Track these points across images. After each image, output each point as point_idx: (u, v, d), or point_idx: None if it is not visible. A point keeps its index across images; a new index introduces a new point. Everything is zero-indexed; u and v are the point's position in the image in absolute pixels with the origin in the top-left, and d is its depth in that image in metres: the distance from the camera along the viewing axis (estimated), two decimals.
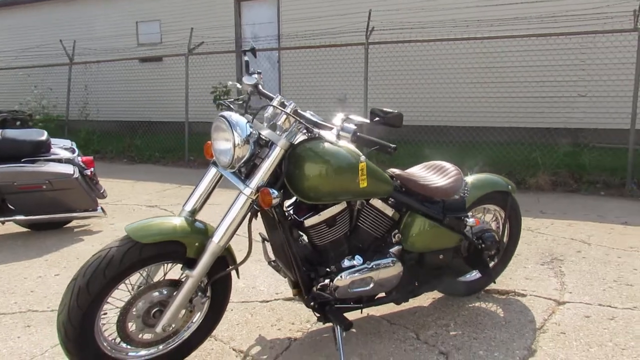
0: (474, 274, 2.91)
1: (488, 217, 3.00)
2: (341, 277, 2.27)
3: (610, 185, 5.82)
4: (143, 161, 8.93)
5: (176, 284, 2.10)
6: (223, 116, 2.01)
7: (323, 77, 8.86)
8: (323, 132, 1.99)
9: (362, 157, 1.90)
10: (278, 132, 2.07)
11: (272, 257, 2.49)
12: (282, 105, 2.13)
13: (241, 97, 2.44)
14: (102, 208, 4.51)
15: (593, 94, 6.71)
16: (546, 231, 4.26)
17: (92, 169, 4.49)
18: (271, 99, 2.29)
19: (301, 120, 2.03)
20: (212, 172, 2.21)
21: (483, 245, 2.67)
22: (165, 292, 2.07)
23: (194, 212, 2.19)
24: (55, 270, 3.50)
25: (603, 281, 3.17)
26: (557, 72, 6.83)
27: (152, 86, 10.90)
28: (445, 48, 7.53)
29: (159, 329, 2.03)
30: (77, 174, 4.24)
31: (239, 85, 2.44)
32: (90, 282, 1.87)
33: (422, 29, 7.28)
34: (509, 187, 2.90)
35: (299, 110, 2.09)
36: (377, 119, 1.82)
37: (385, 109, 1.83)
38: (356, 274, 2.30)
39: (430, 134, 7.28)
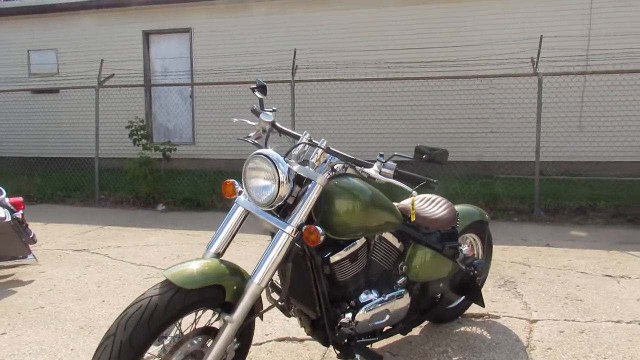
0: (459, 300, 3.09)
1: (465, 245, 3.22)
2: (363, 311, 2.29)
3: (521, 211, 6.46)
4: (44, 201, 8.13)
5: (208, 332, 1.98)
6: (264, 154, 1.98)
7: (242, 113, 8.86)
8: (367, 169, 2.04)
9: (414, 192, 1.98)
10: (311, 169, 2.08)
11: (276, 297, 2.44)
12: (311, 142, 2.15)
13: (251, 134, 2.41)
14: (34, 255, 4.06)
15: (503, 130, 7.51)
16: (520, 258, 4.61)
17: (21, 211, 4.04)
18: (292, 135, 2.30)
19: (345, 158, 2.07)
20: (239, 211, 2.14)
21: (475, 272, 2.86)
22: (198, 342, 1.94)
23: (219, 254, 2.10)
24: None
25: (557, 298, 3.51)
26: (471, 110, 7.54)
27: (49, 119, 10.06)
28: (370, 86, 7.96)
29: None
30: (8, 217, 3.80)
31: (251, 122, 2.41)
32: (133, 336, 1.70)
33: (347, 68, 7.66)
34: (486, 216, 3.15)
35: (331, 148, 2.12)
36: (424, 156, 1.92)
37: (430, 147, 1.93)
38: (375, 308, 2.34)
39: None
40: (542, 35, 6.39)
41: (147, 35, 10.32)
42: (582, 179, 7.12)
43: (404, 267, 2.55)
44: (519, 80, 6.81)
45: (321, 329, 2.31)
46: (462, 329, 3.05)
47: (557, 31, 7.38)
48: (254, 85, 2.44)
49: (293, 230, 1.98)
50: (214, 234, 2.13)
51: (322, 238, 1.94)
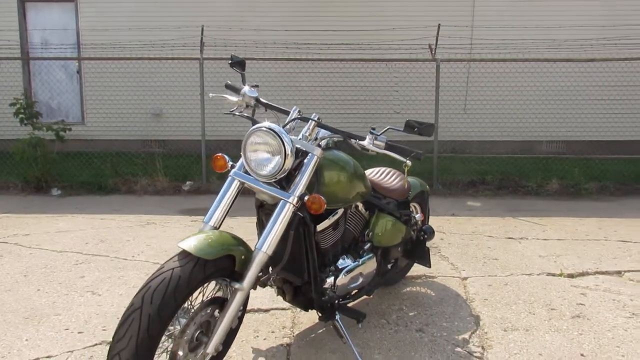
0: (405, 264, 3.40)
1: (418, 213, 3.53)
2: (343, 275, 2.47)
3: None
4: None
5: (215, 302, 2.02)
6: (268, 127, 2.04)
7: (135, 91, 8.47)
8: (362, 142, 2.19)
9: (408, 161, 2.16)
10: (310, 142, 2.18)
11: None
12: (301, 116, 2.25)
13: (233, 109, 2.44)
14: None
15: (405, 112, 8.06)
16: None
17: None
18: (279, 110, 2.38)
19: (338, 132, 2.20)
20: (235, 184, 2.18)
21: (425, 237, 3.18)
22: (207, 312, 1.98)
23: (216, 228, 2.13)
24: None
25: (477, 259, 4.00)
26: (377, 92, 7.97)
27: None
28: (279, 67, 8.01)
29: (210, 349, 1.93)
30: None
31: (233, 99, 2.44)
32: (160, 308, 1.70)
33: (256, 47, 7.63)
34: (427, 187, 3.48)
35: (321, 122, 2.25)
36: (415, 129, 2.12)
37: (419, 121, 2.14)
38: (352, 272, 2.53)
39: None
40: (439, 24, 6.98)
41: (22, 2, 9.28)
42: (472, 156, 7.95)
43: (369, 234, 2.77)
44: (419, 65, 7.37)
45: (303, 295, 2.45)
46: (409, 289, 3.37)
47: (447, 20, 8.08)
48: (231, 61, 2.46)
49: (295, 199, 2.08)
50: (211, 208, 2.16)
51: (325, 206, 2.07)
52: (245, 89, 2.41)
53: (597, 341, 2.62)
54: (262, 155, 2.08)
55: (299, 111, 2.28)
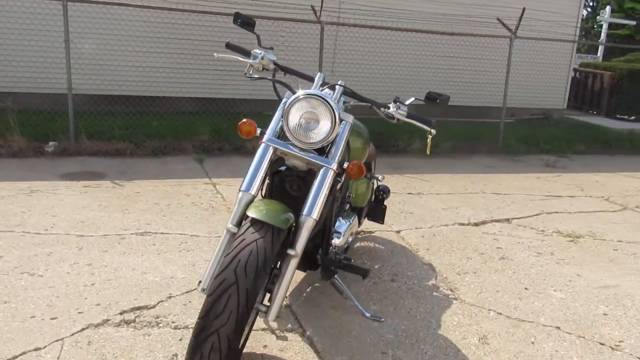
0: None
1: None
2: (343, 236, 2.62)
3: None
4: None
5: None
6: (316, 94, 2.02)
7: None
8: (389, 110, 2.29)
9: (433, 130, 2.30)
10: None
11: None
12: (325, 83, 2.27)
13: (249, 72, 2.35)
14: None
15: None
16: None
17: None
18: (301, 75, 2.35)
19: (365, 99, 2.27)
20: (270, 152, 2.13)
21: (384, 195, 3.43)
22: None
23: (255, 195, 2.08)
24: None
25: (397, 214, 4.42)
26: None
27: None
28: (150, 16, 7.32)
29: (271, 316, 1.93)
30: None
31: (244, 59, 2.32)
32: (256, 281, 1.67)
33: None
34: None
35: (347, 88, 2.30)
36: (437, 100, 2.29)
37: (438, 93, 2.31)
38: (346, 232, 2.69)
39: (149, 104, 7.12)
40: None
41: None
42: None
43: (349, 196, 2.93)
44: (305, 26, 7.46)
45: (306, 257, 2.52)
46: (359, 244, 3.63)
47: None
48: (239, 20, 2.33)
49: (336, 166, 2.13)
50: (248, 176, 2.10)
51: (365, 172, 2.17)
52: (263, 51, 2.32)
53: (529, 277, 3.22)
54: (309, 123, 2.07)
55: (324, 77, 2.28)
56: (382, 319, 2.55)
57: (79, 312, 2.47)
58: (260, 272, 1.69)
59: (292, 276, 2.02)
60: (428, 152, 2.47)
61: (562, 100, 11.12)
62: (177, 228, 3.74)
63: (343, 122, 2.20)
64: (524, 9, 7.69)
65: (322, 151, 2.15)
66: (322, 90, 2.24)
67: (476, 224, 4.25)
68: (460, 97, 9.45)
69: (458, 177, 6.08)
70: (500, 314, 2.71)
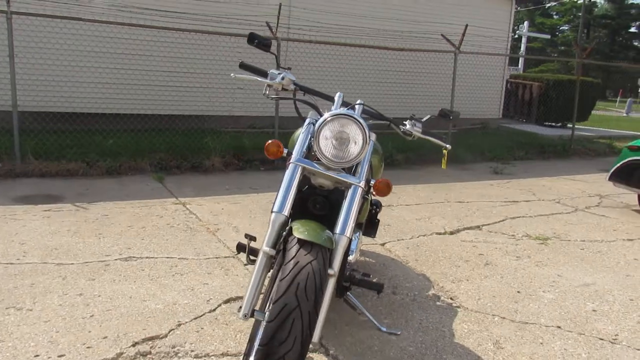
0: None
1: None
2: (355, 251, 2.65)
3: (265, 162, 7.27)
4: None
5: None
6: (347, 114, 2.04)
7: None
8: (408, 128, 2.35)
9: (448, 145, 2.37)
10: None
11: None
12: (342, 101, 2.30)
13: (267, 92, 2.33)
14: None
15: (248, 88, 7.94)
16: None
17: None
18: (321, 95, 2.36)
19: (384, 117, 2.31)
20: (299, 172, 2.11)
21: (377, 210, 3.47)
22: None
23: (288, 216, 2.07)
24: None
25: (380, 227, 4.47)
26: (220, 66, 7.62)
27: None
28: (101, 30, 6.99)
29: (316, 337, 1.91)
30: None
31: (263, 80, 2.30)
32: (316, 303, 1.66)
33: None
34: None
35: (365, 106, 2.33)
36: (451, 117, 2.37)
37: (450, 110, 2.39)
38: (358, 247, 2.73)
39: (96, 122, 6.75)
40: (281, 4, 7.15)
41: None
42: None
43: None
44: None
45: None
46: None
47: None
48: (256, 41, 2.32)
49: (364, 183, 2.16)
50: (280, 197, 2.07)
51: (392, 188, 2.21)
52: (284, 72, 2.31)
53: (516, 280, 3.39)
54: (342, 142, 2.08)
55: (343, 97, 2.31)
56: (399, 333, 2.59)
57: (87, 347, 2.31)
58: (318, 294, 1.69)
59: (331, 296, 2.02)
60: (444, 166, 2.56)
61: (497, 110, 11.80)
62: (161, 251, 3.60)
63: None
64: (466, 26, 8.12)
65: (349, 170, 2.17)
66: (346, 109, 2.27)
67: (452, 233, 4.41)
68: (411, 110, 9.76)
69: (420, 187, 6.28)
70: (504, 318, 2.83)
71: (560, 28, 43.62)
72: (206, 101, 7.62)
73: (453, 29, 8.41)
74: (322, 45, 8.50)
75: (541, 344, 2.57)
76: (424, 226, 4.56)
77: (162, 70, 7.73)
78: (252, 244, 2.54)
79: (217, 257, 3.55)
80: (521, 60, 20.96)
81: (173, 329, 2.52)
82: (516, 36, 24.47)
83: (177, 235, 3.98)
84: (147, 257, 3.47)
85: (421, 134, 2.40)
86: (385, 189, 2.18)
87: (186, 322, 2.59)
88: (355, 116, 2.06)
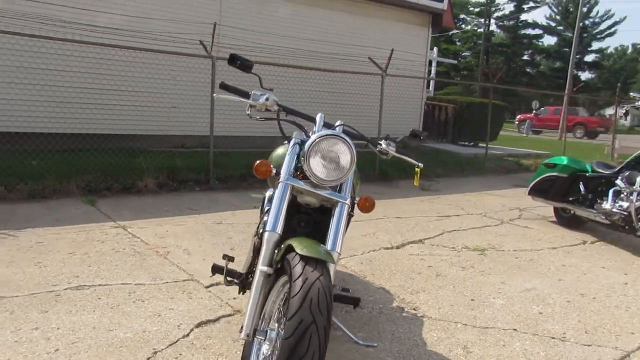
0: None
1: None
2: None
3: (199, 181, 7.14)
4: None
5: None
6: (335, 135, 2.12)
7: None
8: (384, 147, 2.46)
9: (420, 164, 2.51)
10: None
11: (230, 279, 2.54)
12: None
13: (250, 112, 2.35)
14: None
15: (183, 106, 7.67)
16: (229, 220, 5.21)
17: None
18: (302, 116, 2.41)
19: (363, 137, 2.40)
20: (289, 190, 2.15)
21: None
22: None
23: (281, 234, 2.10)
24: None
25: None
26: (154, 85, 7.33)
27: None
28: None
29: None
30: None
31: (246, 101, 2.32)
32: (328, 317, 1.69)
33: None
34: None
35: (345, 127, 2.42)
36: (421, 137, 2.52)
37: (421, 131, 2.54)
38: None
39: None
40: (215, 23, 7.11)
41: None
42: (241, 151, 8.37)
43: None
44: (195, 60, 7.28)
45: None
46: None
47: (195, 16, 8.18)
48: (238, 62, 2.35)
49: (350, 200, 2.25)
50: (272, 216, 2.10)
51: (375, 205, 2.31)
52: (267, 93, 2.35)
53: (467, 289, 3.62)
54: (331, 161, 2.15)
55: (324, 117, 2.38)
56: (376, 345, 2.68)
57: None
58: (330, 308, 1.73)
59: None
60: (416, 184, 2.70)
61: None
62: (113, 278, 3.43)
63: None
64: (392, 50, 8.56)
65: (334, 188, 2.25)
66: (332, 130, 2.35)
67: (398, 247, 4.61)
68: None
69: None
70: (466, 324, 3.02)
71: (463, 54, 46.90)
72: (138, 119, 7.34)
73: (380, 52, 8.81)
74: (256, 65, 8.54)
75: (503, 345, 2.77)
76: (371, 242, 4.72)
77: (90, 87, 7.36)
78: (230, 265, 2.54)
79: (175, 281, 3.44)
80: (432, 83, 22.28)
81: (150, 357, 2.42)
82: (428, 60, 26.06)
83: (126, 260, 3.81)
84: (100, 285, 3.30)
85: (395, 152, 2.54)
86: (369, 206, 2.29)
87: (162, 349, 2.50)
88: (343, 136, 2.15)
